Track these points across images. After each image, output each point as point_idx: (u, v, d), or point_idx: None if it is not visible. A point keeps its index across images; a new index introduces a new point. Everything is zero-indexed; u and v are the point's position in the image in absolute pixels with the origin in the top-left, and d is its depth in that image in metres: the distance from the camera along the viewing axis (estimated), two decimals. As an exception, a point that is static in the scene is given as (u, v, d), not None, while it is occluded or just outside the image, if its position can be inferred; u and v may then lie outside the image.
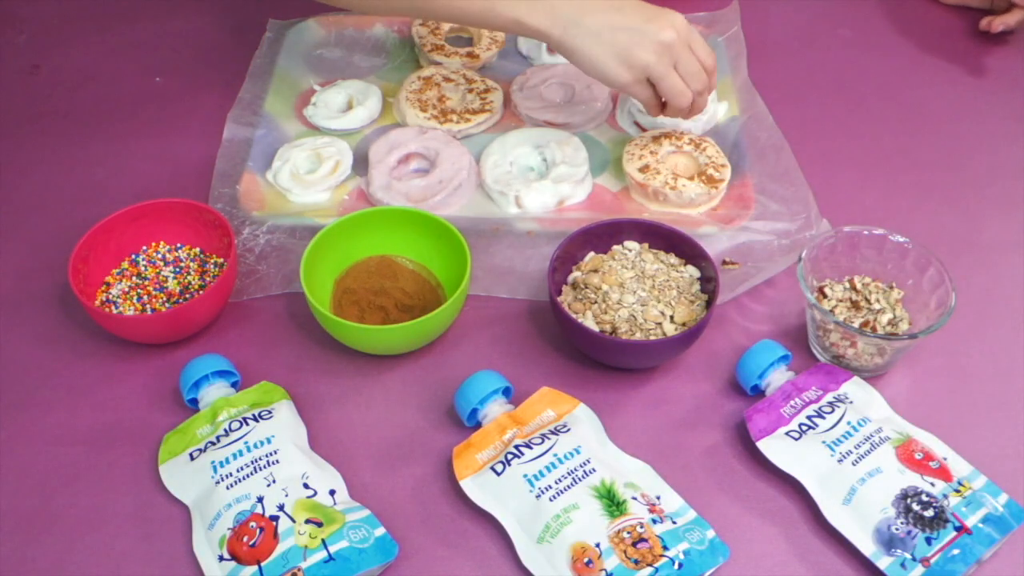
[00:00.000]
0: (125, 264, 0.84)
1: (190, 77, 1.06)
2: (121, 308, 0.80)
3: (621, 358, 0.78)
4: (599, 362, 0.79)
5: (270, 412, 0.73)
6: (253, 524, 0.65)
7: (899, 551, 0.64)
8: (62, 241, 0.84)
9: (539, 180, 0.89)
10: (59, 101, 1.04)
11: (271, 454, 0.70)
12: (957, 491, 0.67)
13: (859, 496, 0.67)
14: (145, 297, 0.81)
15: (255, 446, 0.70)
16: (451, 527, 0.69)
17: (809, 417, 0.71)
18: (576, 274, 0.81)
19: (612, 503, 0.66)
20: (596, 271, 0.79)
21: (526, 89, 0.99)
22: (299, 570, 0.63)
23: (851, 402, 0.73)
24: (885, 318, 0.76)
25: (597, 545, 0.64)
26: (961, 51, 1.09)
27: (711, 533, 0.67)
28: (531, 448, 0.69)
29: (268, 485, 0.68)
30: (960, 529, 0.65)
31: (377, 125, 0.98)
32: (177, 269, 0.83)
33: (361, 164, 0.93)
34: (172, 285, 0.82)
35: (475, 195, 0.91)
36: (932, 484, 0.67)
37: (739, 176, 0.91)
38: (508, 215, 0.89)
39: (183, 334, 0.80)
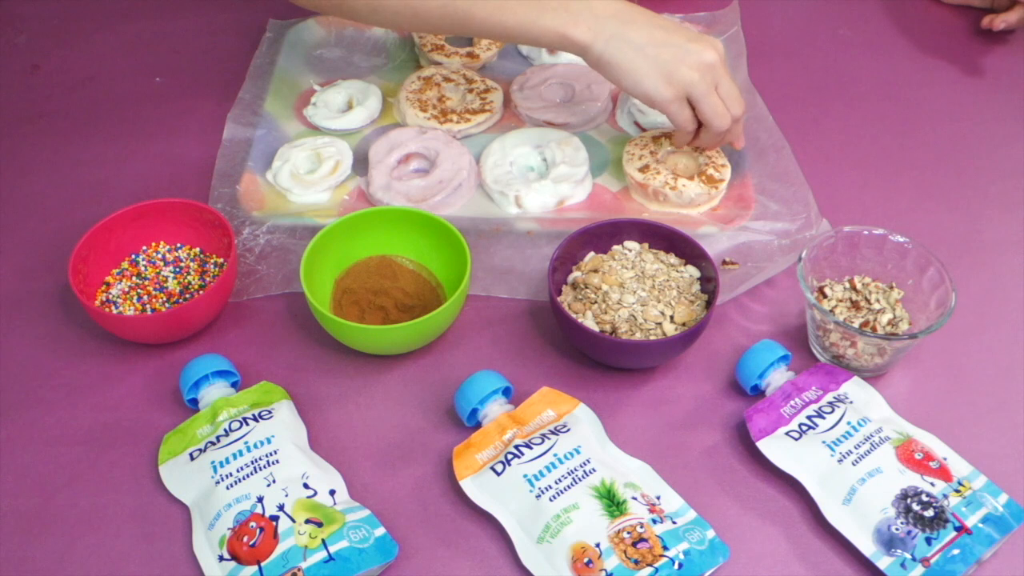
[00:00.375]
0: (125, 264, 0.84)
1: (190, 77, 1.06)
2: (121, 308, 0.80)
3: (621, 358, 0.78)
4: (599, 362, 0.79)
5: (270, 412, 0.73)
6: (253, 524, 0.65)
7: (899, 551, 0.64)
8: (62, 241, 0.85)
9: (539, 180, 0.89)
10: (59, 101, 1.04)
11: (271, 454, 0.70)
12: (957, 491, 0.67)
13: (859, 496, 0.67)
14: (145, 297, 0.81)
15: (255, 446, 0.70)
16: (451, 527, 0.69)
17: (809, 417, 0.71)
18: (576, 274, 0.81)
19: (612, 503, 0.66)
20: (596, 271, 0.79)
21: (526, 89, 0.99)
22: (299, 570, 0.63)
23: (851, 402, 0.73)
24: (885, 318, 0.76)
25: (597, 545, 0.64)
26: (961, 51, 1.09)
27: (711, 533, 0.67)
28: (531, 448, 0.69)
29: (268, 485, 0.68)
30: (960, 529, 0.65)
31: (377, 125, 0.98)
32: (177, 269, 0.83)
33: (361, 164, 0.93)
34: (172, 285, 0.82)
35: (475, 195, 0.91)
36: (932, 484, 0.67)
37: (739, 176, 0.91)
38: (508, 215, 0.89)
39: (183, 334, 0.80)
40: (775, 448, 0.70)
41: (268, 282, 0.84)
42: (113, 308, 0.80)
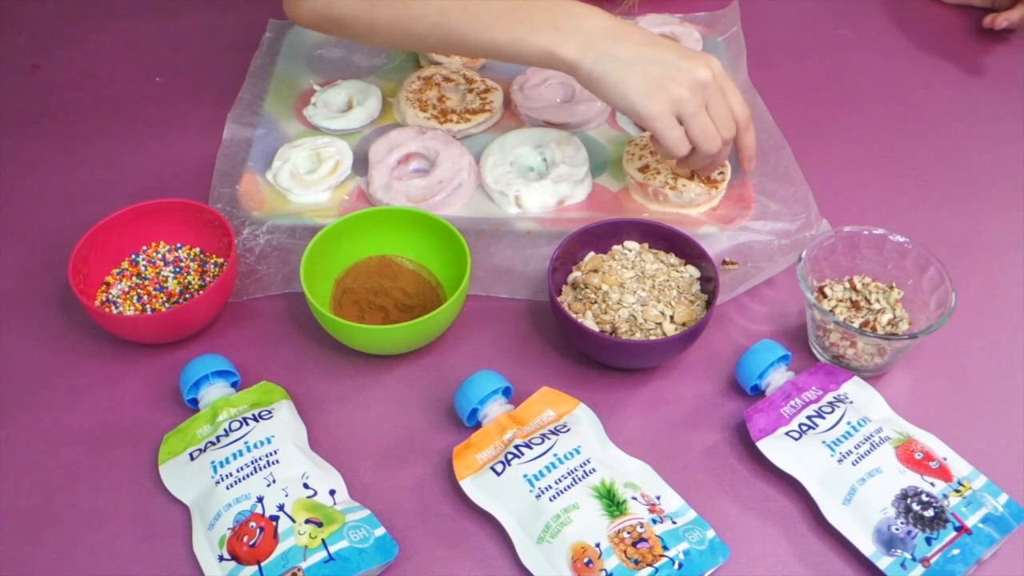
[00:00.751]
0: (125, 264, 0.84)
1: (190, 77, 1.06)
2: (121, 308, 0.80)
3: (621, 358, 0.78)
4: (599, 362, 0.79)
5: (270, 412, 0.73)
6: (253, 524, 0.65)
7: (899, 551, 0.64)
8: (62, 241, 0.84)
9: (539, 180, 0.89)
10: (59, 101, 1.04)
11: (271, 454, 0.70)
12: (957, 491, 0.67)
13: (859, 496, 0.67)
14: (145, 297, 0.81)
15: (255, 446, 0.70)
16: (451, 527, 0.69)
17: (809, 417, 0.71)
18: (576, 274, 0.81)
19: (612, 503, 0.66)
20: (596, 271, 0.79)
21: (526, 89, 0.99)
22: (299, 570, 0.63)
23: (851, 402, 0.73)
24: (885, 318, 0.76)
25: (597, 545, 0.64)
26: (962, 51, 1.09)
27: (711, 533, 0.67)
28: (531, 448, 0.69)
29: (268, 485, 0.68)
30: (960, 529, 0.65)
31: (377, 125, 0.98)
32: (177, 269, 0.83)
33: (361, 164, 0.93)
34: (172, 285, 0.82)
35: (475, 195, 0.91)
36: (932, 484, 0.67)
37: (739, 176, 0.91)
38: (508, 215, 0.89)
39: (183, 334, 0.80)
40: (775, 448, 0.70)
41: (268, 282, 0.84)
42: (113, 308, 0.80)
